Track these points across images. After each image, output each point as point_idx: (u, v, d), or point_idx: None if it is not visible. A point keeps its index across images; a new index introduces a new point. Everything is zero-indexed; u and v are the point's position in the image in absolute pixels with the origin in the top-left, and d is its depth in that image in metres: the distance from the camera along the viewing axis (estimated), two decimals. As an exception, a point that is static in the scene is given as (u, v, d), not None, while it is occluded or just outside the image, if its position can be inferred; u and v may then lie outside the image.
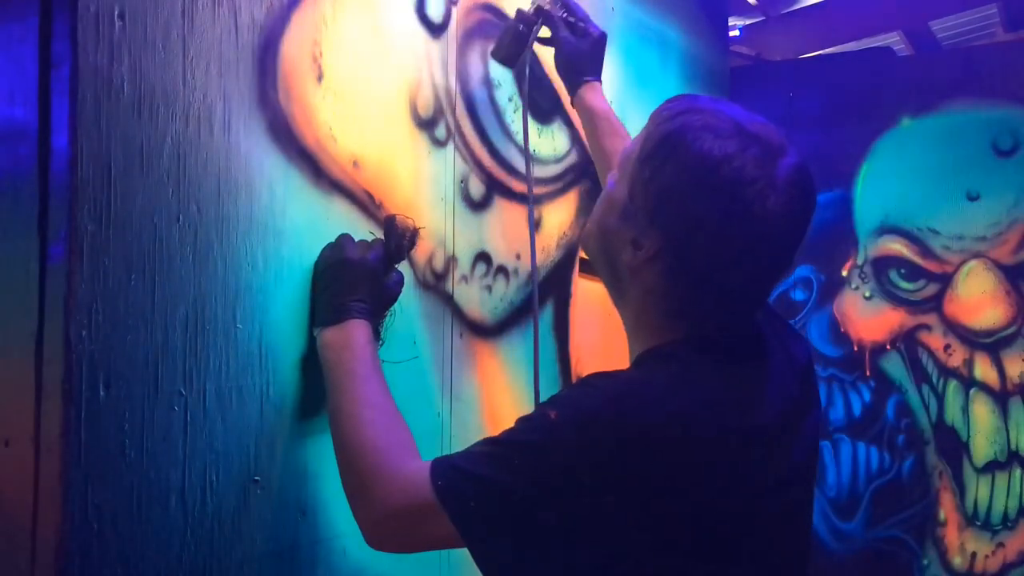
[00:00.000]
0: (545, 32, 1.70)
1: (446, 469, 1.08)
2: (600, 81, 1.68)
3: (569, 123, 1.94)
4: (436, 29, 1.61)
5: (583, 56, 1.65)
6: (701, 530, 0.99)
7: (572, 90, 1.70)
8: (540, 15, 1.65)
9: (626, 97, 2.14)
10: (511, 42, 1.65)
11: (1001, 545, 3.35)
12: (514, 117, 1.79)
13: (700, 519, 0.99)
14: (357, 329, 1.24)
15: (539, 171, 1.86)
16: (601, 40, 1.67)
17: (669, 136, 1.03)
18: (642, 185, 1.05)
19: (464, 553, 1.66)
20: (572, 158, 1.95)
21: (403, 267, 1.53)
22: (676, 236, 1.03)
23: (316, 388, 1.37)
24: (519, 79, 1.68)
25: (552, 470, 0.99)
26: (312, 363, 1.36)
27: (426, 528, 1.09)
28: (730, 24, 3.32)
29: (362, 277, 1.26)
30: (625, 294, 1.15)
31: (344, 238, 1.32)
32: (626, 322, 1.19)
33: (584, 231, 1.23)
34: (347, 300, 1.25)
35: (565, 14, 1.67)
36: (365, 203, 1.46)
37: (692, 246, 1.02)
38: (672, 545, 0.98)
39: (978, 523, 3.39)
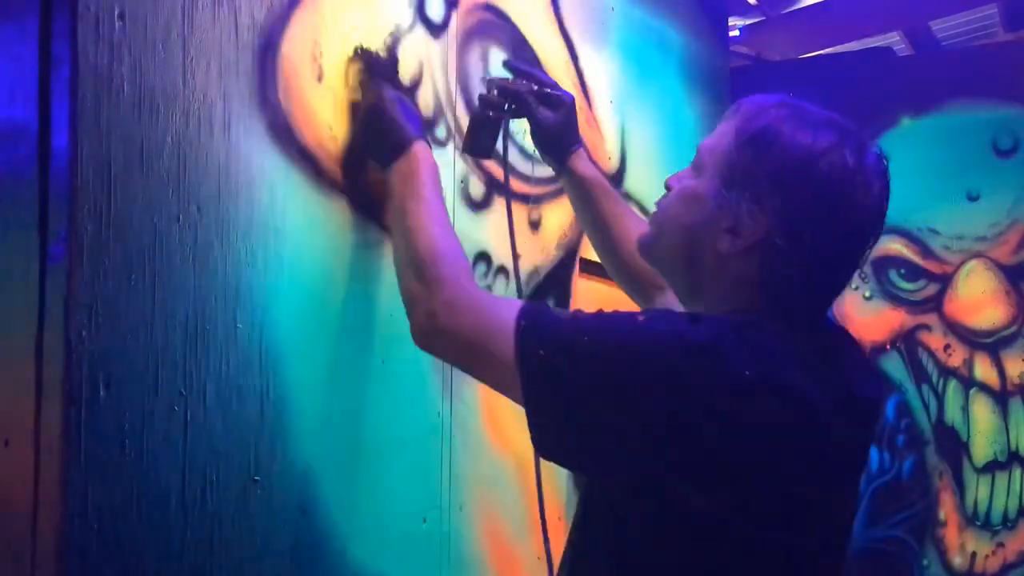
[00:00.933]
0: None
1: (537, 315, 1.07)
2: (583, 146, 1.58)
3: (569, 123, 1.94)
4: (436, 29, 1.61)
5: (562, 127, 1.52)
6: (775, 490, 1.00)
7: (559, 163, 1.57)
8: (507, 95, 1.50)
9: (626, 97, 2.14)
10: (483, 133, 1.50)
11: (1001, 545, 3.35)
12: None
13: (777, 481, 1.00)
14: (421, 153, 1.29)
15: (539, 171, 1.86)
16: (572, 103, 1.55)
17: (766, 129, 1.04)
18: (741, 176, 1.05)
19: (464, 553, 1.66)
20: (572, 158, 1.95)
21: (403, 267, 1.53)
22: (783, 224, 1.03)
23: (316, 388, 1.37)
24: (501, 165, 1.55)
25: (642, 383, 0.99)
26: (312, 363, 1.36)
27: (483, 351, 1.09)
28: (730, 24, 3.32)
29: (400, 106, 1.32)
30: (703, 285, 1.13)
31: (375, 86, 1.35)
32: (697, 296, 1.16)
33: (649, 233, 1.21)
34: (398, 128, 1.31)
35: (535, 87, 1.53)
36: (365, 203, 1.46)
37: (800, 233, 1.03)
38: (740, 503, 0.98)
39: (978, 523, 3.39)
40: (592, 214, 1.57)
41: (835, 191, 1.02)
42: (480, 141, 1.51)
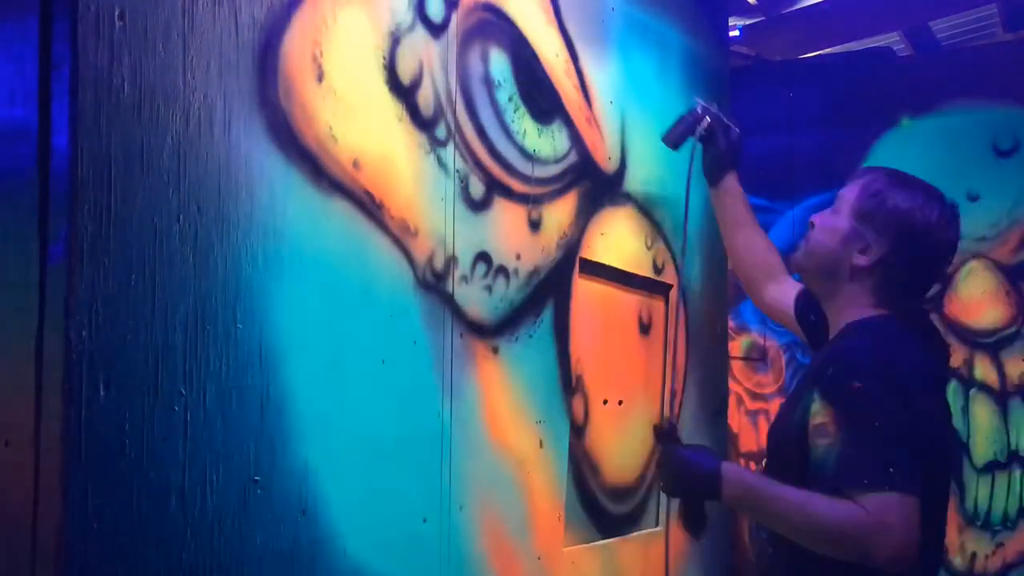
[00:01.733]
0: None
1: (864, 473, 1.43)
2: (736, 172, 2.08)
3: (569, 123, 1.94)
4: (436, 29, 1.61)
5: (727, 155, 2.06)
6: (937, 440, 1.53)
7: (715, 179, 2.07)
8: (707, 114, 2.04)
9: (626, 97, 2.14)
10: (681, 131, 2.04)
11: (1001, 545, 3.35)
12: (514, 117, 1.79)
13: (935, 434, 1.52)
14: (730, 471, 1.60)
15: (539, 171, 1.86)
16: (740, 140, 2.09)
17: (879, 191, 1.65)
18: (869, 216, 1.62)
19: (464, 553, 1.66)
20: (572, 158, 1.95)
21: (403, 267, 1.53)
22: (896, 248, 1.60)
23: (316, 388, 1.37)
24: (686, 156, 2.06)
25: (887, 403, 1.47)
26: (312, 363, 1.36)
27: (908, 513, 1.40)
28: (730, 24, 3.32)
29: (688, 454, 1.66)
30: (841, 290, 1.65)
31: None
32: (838, 302, 1.67)
33: (802, 254, 1.71)
34: (699, 471, 1.63)
35: (723, 119, 2.07)
36: (365, 203, 1.46)
37: (906, 255, 1.60)
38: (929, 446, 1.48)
39: (978, 523, 3.39)
40: (727, 222, 2.08)
41: (923, 232, 1.59)
42: (677, 136, 2.04)
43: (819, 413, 1.49)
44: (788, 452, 1.58)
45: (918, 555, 1.41)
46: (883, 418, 1.45)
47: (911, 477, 1.41)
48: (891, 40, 4.38)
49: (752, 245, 2.05)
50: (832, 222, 1.68)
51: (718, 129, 2.05)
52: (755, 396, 3.97)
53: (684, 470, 1.63)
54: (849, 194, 1.70)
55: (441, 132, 1.62)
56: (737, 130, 2.09)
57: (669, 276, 2.31)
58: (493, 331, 1.74)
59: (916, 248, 1.60)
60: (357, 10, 1.45)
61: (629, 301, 2.20)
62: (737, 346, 3.97)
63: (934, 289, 3.05)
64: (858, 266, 1.62)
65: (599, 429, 2.08)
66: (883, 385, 1.47)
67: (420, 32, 1.58)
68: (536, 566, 1.84)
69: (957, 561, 3.39)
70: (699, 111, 2.05)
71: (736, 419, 3.95)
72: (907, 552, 1.40)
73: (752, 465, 3.92)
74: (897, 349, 1.56)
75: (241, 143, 1.26)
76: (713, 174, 2.08)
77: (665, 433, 1.69)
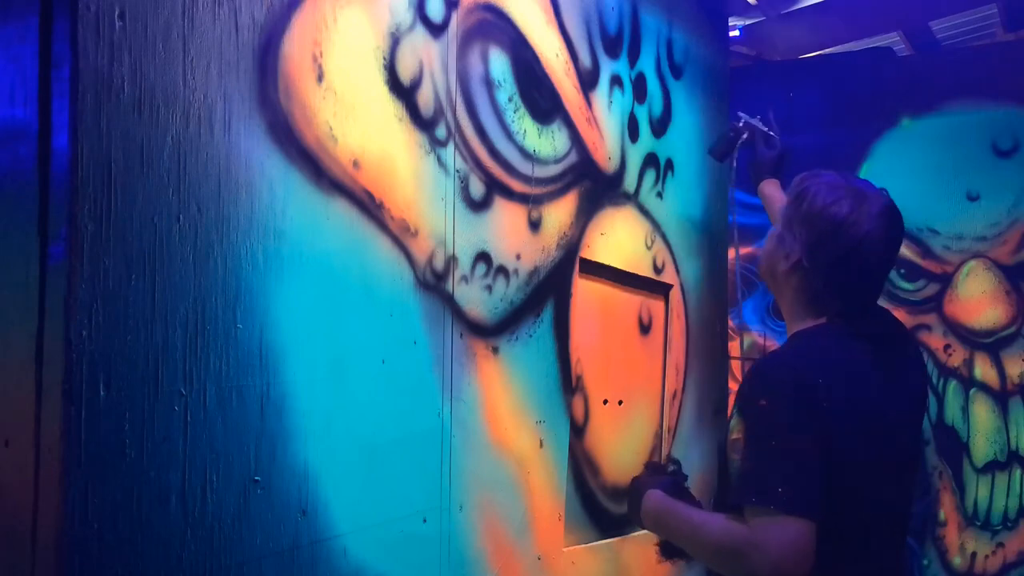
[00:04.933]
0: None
1: (752, 493, 1.41)
2: (777, 181, 2.23)
3: (569, 123, 1.94)
4: (436, 29, 1.61)
5: (768, 163, 2.23)
6: (845, 454, 1.44)
7: (756, 182, 2.25)
8: (747, 128, 2.25)
9: (626, 97, 2.14)
10: (724, 144, 2.29)
11: (1001, 545, 3.35)
12: (514, 117, 1.79)
13: (843, 447, 1.43)
14: (652, 497, 1.66)
15: (539, 171, 1.86)
16: (785, 153, 2.25)
17: (800, 193, 1.60)
18: (789, 221, 1.60)
19: (464, 553, 1.66)
20: (572, 158, 1.95)
21: (403, 267, 1.53)
22: (807, 251, 1.55)
23: (316, 388, 1.37)
24: (726, 168, 2.38)
25: (789, 422, 1.43)
26: (312, 363, 1.36)
27: (788, 534, 1.38)
28: (730, 24, 3.32)
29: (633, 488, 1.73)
30: (781, 292, 1.65)
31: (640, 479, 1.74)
32: (784, 311, 1.67)
33: (758, 264, 1.74)
34: (636, 493, 1.70)
35: (764, 129, 2.26)
36: (365, 203, 1.46)
37: (817, 256, 1.54)
38: (836, 459, 1.43)
39: (978, 523, 3.39)
40: (774, 221, 2.11)
41: (832, 230, 1.52)
42: (721, 149, 2.30)
43: (735, 428, 1.48)
44: (723, 467, 1.58)
45: (820, 572, 1.38)
46: (783, 437, 1.41)
47: (802, 499, 1.38)
48: (891, 40, 4.38)
49: None
50: (773, 229, 1.70)
51: (758, 140, 2.23)
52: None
53: (631, 496, 1.70)
54: (786, 199, 1.70)
55: (441, 132, 1.62)
56: (778, 139, 2.24)
57: (669, 276, 2.31)
58: (493, 331, 1.74)
59: (828, 246, 1.53)
60: (357, 10, 1.45)
61: (629, 301, 2.20)
62: (737, 346, 3.97)
63: (926, 289, 3.08)
64: (783, 270, 1.60)
65: (599, 429, 2.08)
66: (788, 402, 1.43)
67: (420, 32, 1.58)
68: (536, 566, 1.84)
69: (957, 561, 3.39)
70: (740, 125, 2.25)
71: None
72: (790, 570, 1.37)
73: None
74: (817, 362, 1.49)
75: (241, 143, 1.26)
76: (753, 180, 2.26)
77: (651, 466, 1.76)
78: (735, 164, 2.31)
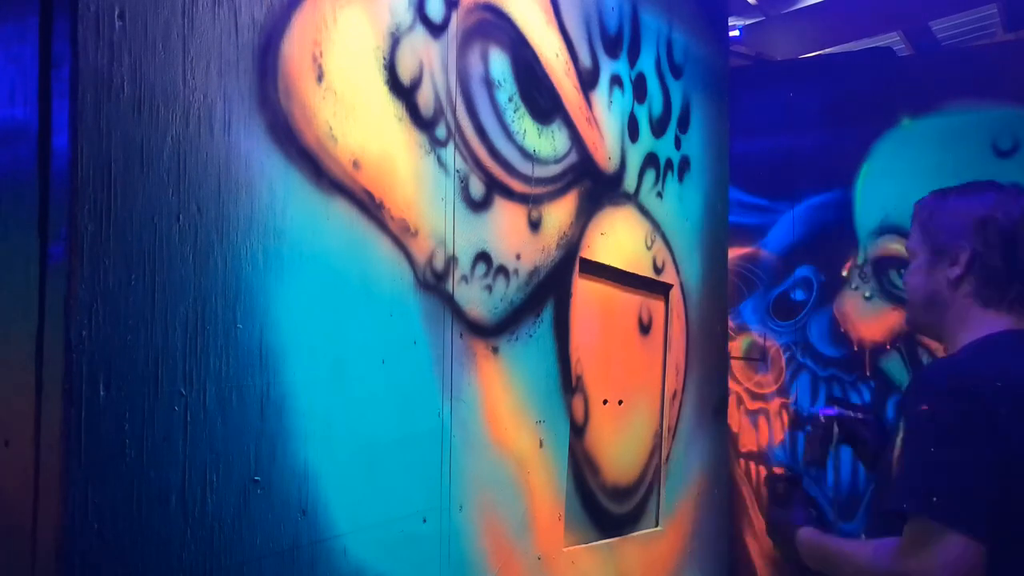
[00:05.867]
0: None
1: (905, 498, 1.35)
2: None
3: (570, 123, 1.94)
4: (436, 29, 1.61)
5: (875, 442, 1.90)
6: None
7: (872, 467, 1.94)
8: (831, 421, 1.96)
9: (626, 97, 2.14)
10: (818, 448, 1.96)
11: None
12: (514, 117, 1.79)
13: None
14: (807, 535, 1.70)
15: (539, 171, 1.86)
16: (881, 422, 1.97)
17: (931, 212, 1.62)
18: (932, 237, 1.60)
19: (464, 553, 1.66)
20: (572, 158, 1.95)
21: (403, 267, 1.53)
22: (977, 238, 1.53)
23: (316, 388, 1.37)
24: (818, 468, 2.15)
25: (952, 428, 1.34)
26: (312, 363, 1.36)
27: (949, 555, 1.28)
28: (730, 24, 3.32)
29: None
30: (948, 312, 1.58)
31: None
32: (951, 334, 1.59)
33: (908, 313, 1.70)
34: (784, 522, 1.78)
35: (850, 413, 1.96)
36: (365, 203, 1.46)
37: (987, 233, 1.52)
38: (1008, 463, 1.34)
39: (978, 523, 3.38)
40: None
41: (980, 210, 1.54)
42: (814, 456, 1.97)
43: (899, 435, 1.43)
44: (882, 481, 1.56)
45: None
46: (943, 444, 1.32)
47: (963, 512, 1.27)
48: (891, 40, 4.39)
49: None
50: (914, 266, 1.65)
51: (855, 427, 1.94)
52: (755, 396, 3.97)
53: (773, 531, 1.78)
54: (913, 233, 1.67)
55: (441, 132, 1.62)
56: (872, 416, 1.98)
57: (669, 276, 2.31)
58: (493, 331, 1.74)
59: (990, 224, 1.52)
60: (357, 10, 1.45)
61: (629, 301, 2.20)
62: (737, 346, 3.97)
63: None
64: (951, 280, 1.55)
65: (599, 429, 2.08)
66: (953, 408, 1.34)
67: (420, 32, 1.58)
68: (536, 566, 1.84)
69: (957, 561, 3.38)
70: (822, 420, 1.97)
71: (736, 419, 3.95)
72: None
73: (752, 465, 3.92)
74: (984, 365, 1.39)
75: (241, 143, 1.26)
76: (869, 467, 1.97)
77: (786, 482, 1.83)
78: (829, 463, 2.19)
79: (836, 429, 1.95)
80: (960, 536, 1.26)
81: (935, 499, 1.27)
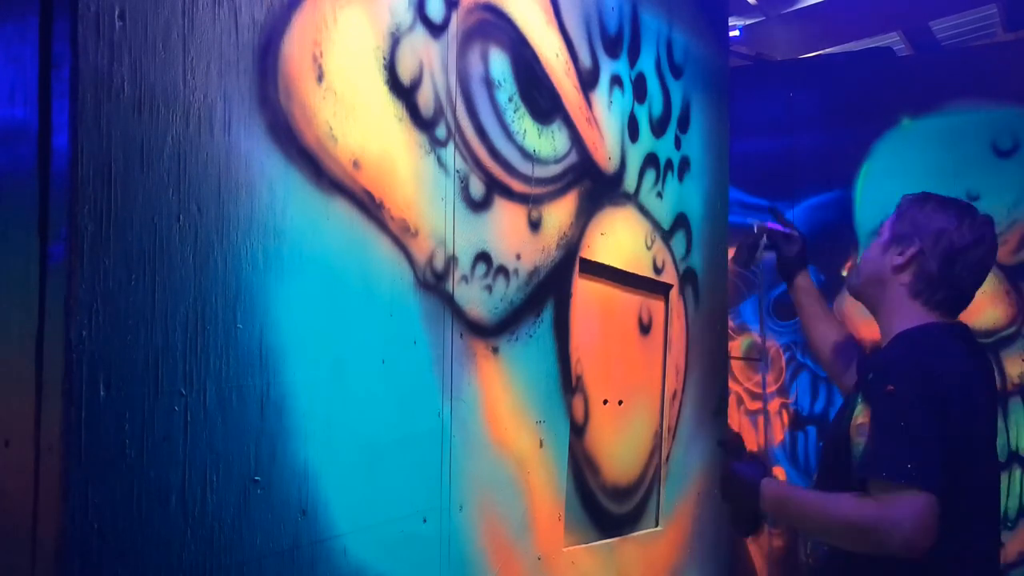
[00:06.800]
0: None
1: (883, 468, 1.56)
2: (807, 270, 2.33)
3: (570, 123, 1.94)
4: (436, 29, 1.61)
5: (794, 258, 2.31)
6: (961, 442, 1.61)
7: (789, 280, 2.34)
8: (762, 233, 2.33)
9: (626, 97, 2.14)
10: (746, 252, 2.34)
11: (1001, 545, 3.35)
12: (514, 117, 1.79)
13: (959, 435, 1.60)
14: (769, 486, 1.79)
15: (539, 171, 1.86)
16: (805, 244, 2.33)
17: (912, 203, 1.86)
18: (900, 223, 1.84)
19: (464, 553, 1.66)
20: (572, 158, 1.95)
21: (403, 267, 1.53)
22: (933, 236, 1.78)
23: (316, 388, 1.37)
24: (753, 274, 2.51)
25: (915, 407, 1.59)
26: (312, 363, 1.36)
27: (918, 507, 1.51)
28: (730, 24, 3.32)
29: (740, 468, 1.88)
30: (885, 293, 1.85)
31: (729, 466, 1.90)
32: (883, 315, 1.86)
33: (853, 278, 1.96)
34: (743, 483, 1.84)
35: (780, 228, 2.35)
36: (365, 203, 1.46)
37: (940, 241, 1.77)
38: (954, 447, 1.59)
39: (978, 523, 3.38)
40: (805, 316, 2.33)
41: (955, 222, 1.78)
42: (744, 258, 2.35)
43: (860, 414, 1.64)
44: (836, 453, 1.72)
45: (938, 546, 1.51)
46: (910, 419, 1.57)
47: (929, 475, 1.52)
48: (891, 40, 4.39)
49: (827, 337, 2.25)
50: (872, 246, 1.92)
51: (779, 240, 2.31)
52: (755, 396, 3.97)
53: (733, 482, 1.85)
54: (889, 222, 1.91)
55: (441, 132, 1.62)
56: (798, 234, 2.33)
57: (669, 276, 2.31)
58: (493, 331, 1.74)
59: (953, 234, 1.77)
60: (357, 10, 1.45)
61: (629, 301, 2.20)
62: (737, 346, 3.97)
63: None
64: (895, 265, 1.81)
65: (599, 429, 2.08)
66: (915, 389, 1.59)
67: (420, 32, 1.58)
68: (536, 566, 1.84)
69: (957, 561, 3.38)
70: (755, 230, 2.33)
71: (736, 419, 3.95)
72: (919, 542, 1.50)
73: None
74: (935, 356, 1.67)
75: (241, 143, 1.26)
76: (785, 279, 2.35)
77: (731, 445, 1.94)
78: (759, 267, 2.45)
79: (765, 239, 2.31)
80: (922, 492, 1.51)
81: (909, 466, 1.51)
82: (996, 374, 3.38)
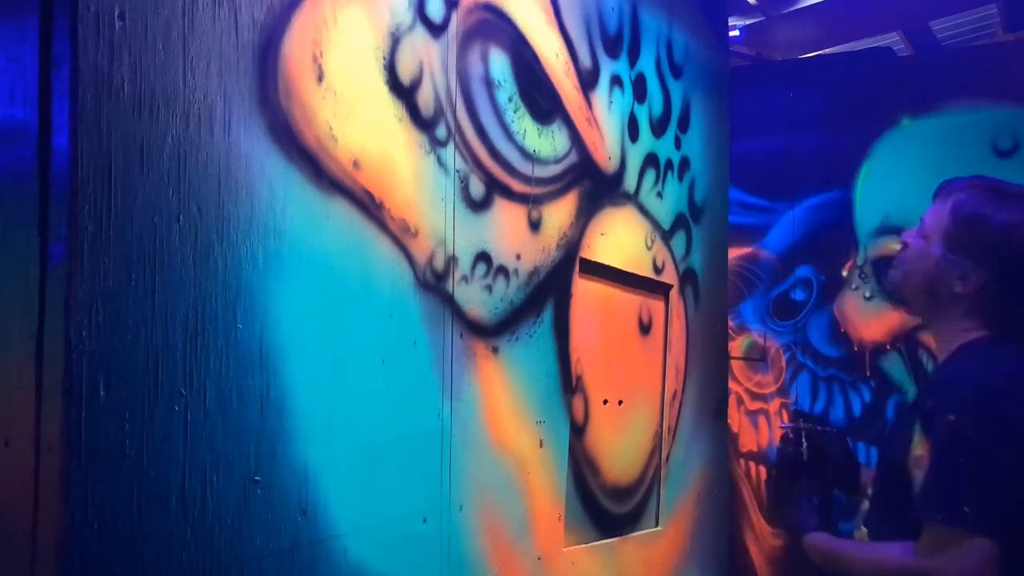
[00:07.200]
0: None
1: (939, 511, 1.42)
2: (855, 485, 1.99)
3: (569, 123, 1.94)
4: (436, 29, 1.61)
5: (847, 471, 1.95)
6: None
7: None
8: (798, 434, 1.94)
9: (626, 97, 2.14)
10: (788, 465, 1.93)
11: None
12: (514, 117, 1.79)
13: None
14: (818, 540, 1.73)
15: (539, 171, 1.86)
16: (844, 445, 1.96)
17: (968, 218, 1.57)
18: (955, 245, 1.58)
19: (464, 553, 1.66)
20: (572, 158, 1.95)
21: (403, 267, 1.53)
22: (996, 275, 1.55)
23: (316, 388, 1.37)
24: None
25: (978, 439, 1.42)
26: (312, 363, 1.36)
27: (970, 559, 1.39)
28: (730, 24, 3.32)
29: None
30: (942, 311, 1.63)
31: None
32: (941, 328, 1.65)
33: (901, 274, 1.70)
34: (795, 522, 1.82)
35: (817, 426, 1.98)
36: (365, 203, 1.46)
37: (1009, 277, 1.55)
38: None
39: (978, 523, 3.38)
40: None
41: (1020, 252, 1.53)
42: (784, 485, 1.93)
43: (919, 445, 1.49)
44: (892, 487, 1.58)
45: None
46: (971, 455, 1.41)
47: (990, 519, 1.37)
48: (891, 40, 4.39)
49: None
50: (925, 248, 1.64)
51: (820, 441, 1.93)
52: (755, 396, 3.97)
53: (780, 498, 1.82)
54: (935, 220, 1.64)
55: (441, 132, 1.62)
56: (835, 431, 1.99)
57: (669, 276, 2.31)
58: (493, 331, 1.74)
59: (1020, 268, 1.54)
60: (357, 10, 1.45)
61: (629, 301, 2.20)
62: (737, 346, 3.97)
63: None
64: (958, 292, 1.58)
65: (599, 429, 2.08)
66: (979, 419, 1.43)
67: (420, 32, 1.58)
68: (536, 566, 1.84)
69: (957, 561, 3.38)
70: (790, 436, 1.95)
71: (736, 419, 3.95)
72: None
73: (752, 466, 3.92)
74: (1003, 375, 1.49)
75: (241, 143, 1.26)
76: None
77: (789, 452, 1.86)
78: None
79: (805, 444, 1.92)
80: (980, 538, 1.35)
81: (966, 509, 1.36)
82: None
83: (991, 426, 1.41)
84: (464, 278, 1.67)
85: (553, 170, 1.90)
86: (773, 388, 3.92)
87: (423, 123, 1.58)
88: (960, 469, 1.40)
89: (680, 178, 2.36)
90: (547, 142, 1.88)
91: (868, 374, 3.54)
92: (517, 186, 1.80)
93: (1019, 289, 1.56)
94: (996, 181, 1.62)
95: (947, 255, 1.59)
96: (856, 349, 3.57)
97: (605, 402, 2.10)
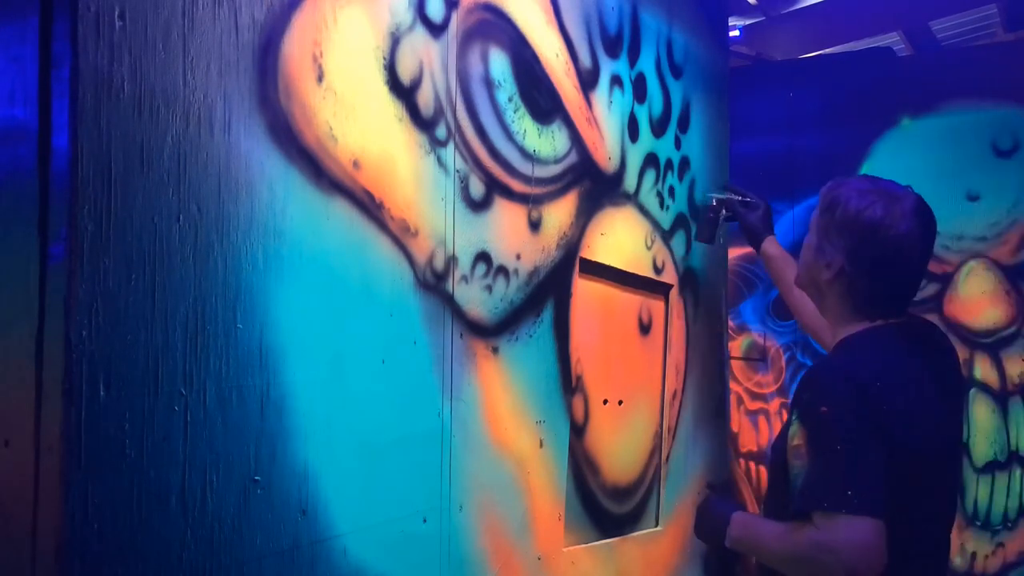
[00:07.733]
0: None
1: (823, 496, 1.48)
2: (773, 234, 2.31)
3: (569, 123, 1.94)
4: (436, 29, 1.61)
5: (758, 223, 2.31)
6: (902, 456, 1.50)
7: (756, 246, 2.32)
8: (721, 204, 2.35)
9: (626, 97, 2.14)
10: (707, 226, 2.34)
11: (1001, 545, 3.35)
12: (514, 117, 1.79)
13: (898, 449, 1.50)
14: (738, 519, 1.76)
15: (539, 171, 1.86)
16: (768, 208, 2.34)
17: (831, 202, 1.67)
18: (823, 232, 1.67)
19: (464, 553, 1.66)
20: (572, 158, 1.95)
21: (403, 267, 1.53)
22: (849, 255, 1.63)
23: (316, 388, 1.37)
24: (715, 246, 2.43)
25: (851, 427, 1.49)
26: (312, 363, 1.36)
27: (860, 534, 1.44)
28: (730, 24, 3.32)
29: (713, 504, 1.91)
30: (825, 299, 1.72)
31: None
32: (829, 318, 1.74)
33: (798, 273, 1.82)
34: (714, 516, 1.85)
35: (739, 198, 2.37)
36: (365, 203, 1.46)
37: (859, 261, 1.62)
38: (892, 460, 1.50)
39: (978, 523, 3.39)
40: (780, 281, 2.29)
41: (870, 232, 1.59)
42: (706, 232, 2.34)
43: (795, 435, 1.54)
44: (778, 474, 1.64)
45: (890, 571, 1.45)
46: (846, 441, 1.48)
47: (872, 500, 1.44)
48: (891, 40, 4.39)
49: (806, 302, 2.14)
50: (807, 238, 1.76)
51: (738, 209, 2.33)
52: (755, 396, 3.97)
53: (706, 515, 1.86)
54: (815, 213, 1.75)
55: (441, 132, 1.62)
56: (758, 200, 2.33)
57: (669, 276, 2.31)
58: (493, 331, 1.74)
59: (869, 249, 1.60)
60: (357, 10, 1.45)
61: (629, 301, 2.20)
62: (737, 346, 3.97)
63: (926, 289, 3.23)
64: (826, 279, 1.68)
65: (599, 429, 2.08)
66: (849, 408, 1.49)
67: (420, 32, 1.58)
68: (536, 566, 1.84)
69: (957, 561, 3.39)
70: (714, 203, 2.34)
71: (736, 419, 3.95)
72: (865, 570, 1.44)
73: (752, 465, 3.92)
74: (872, 367, 1.55)
75: (241, 143, 1.26)
76: (752, 245, 2.33)
77: (716, 487, 1.95)
78: (722, 241, 2.45)
79: (724, 211, 2.34)
80: (867, 518, 1.43)
81: (849, 493, 1.43)
82: (997, 372, 3.39)
83: (861, 413, 1.48)
84: (464, 278, 1.67)
85: (553, 170, 1.90)
86: (773, 388, 3.92)
87: (423, 123, 1.58)
88: (836, 456, 1.47)
89: (680, 178, 2.36)
90: (547, 142, 1.88)
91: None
92: (517, 186, 1.80)
93: (870, 271, 1.62)
94: (871, 179, 1.68)
95: (819, 242, 1.69)
96: (856, 349, 3.56)
97: (605, 402, 2.10)
